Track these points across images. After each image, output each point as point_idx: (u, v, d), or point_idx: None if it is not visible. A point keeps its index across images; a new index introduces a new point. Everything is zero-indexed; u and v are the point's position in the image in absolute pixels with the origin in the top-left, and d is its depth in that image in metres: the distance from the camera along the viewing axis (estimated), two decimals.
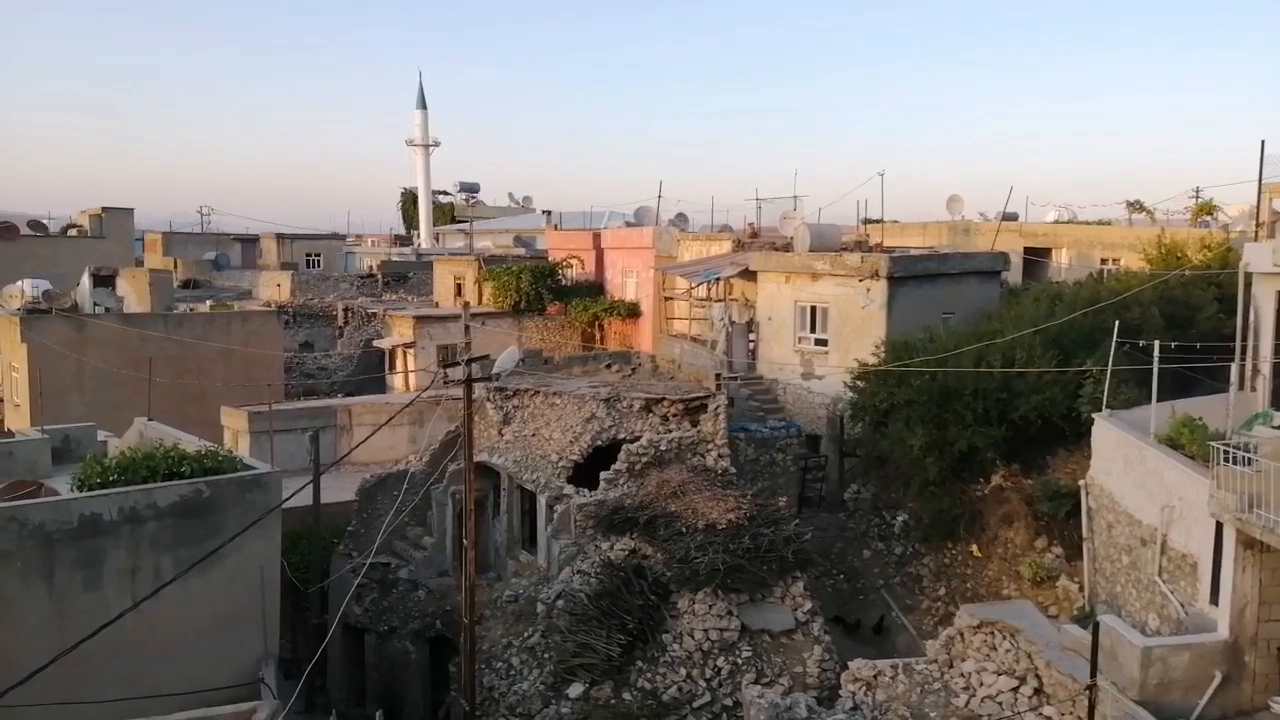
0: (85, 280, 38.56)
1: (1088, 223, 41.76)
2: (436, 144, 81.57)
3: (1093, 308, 21.87)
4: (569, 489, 20.73)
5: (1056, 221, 42.23)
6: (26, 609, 14.15)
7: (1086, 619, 16.06)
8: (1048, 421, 20.91)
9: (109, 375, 33.12)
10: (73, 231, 54.96)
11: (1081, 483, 18.61)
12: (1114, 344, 18.18)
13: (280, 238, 67.66)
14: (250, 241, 69.44)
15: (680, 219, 44.92)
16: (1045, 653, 14.55)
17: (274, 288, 54.60)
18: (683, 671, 17.46)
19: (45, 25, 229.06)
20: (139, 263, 55.57)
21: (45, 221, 56.14)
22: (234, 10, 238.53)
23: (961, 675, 15.32)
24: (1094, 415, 18.37)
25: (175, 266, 56.66)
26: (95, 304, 37.83)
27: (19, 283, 37.07)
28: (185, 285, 54.14)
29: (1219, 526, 13.74)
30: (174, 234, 69.10)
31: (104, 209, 53.52)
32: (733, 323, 30.35)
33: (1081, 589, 18.65)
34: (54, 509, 14.60)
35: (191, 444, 17.74)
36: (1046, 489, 20.16)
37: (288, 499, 16.13)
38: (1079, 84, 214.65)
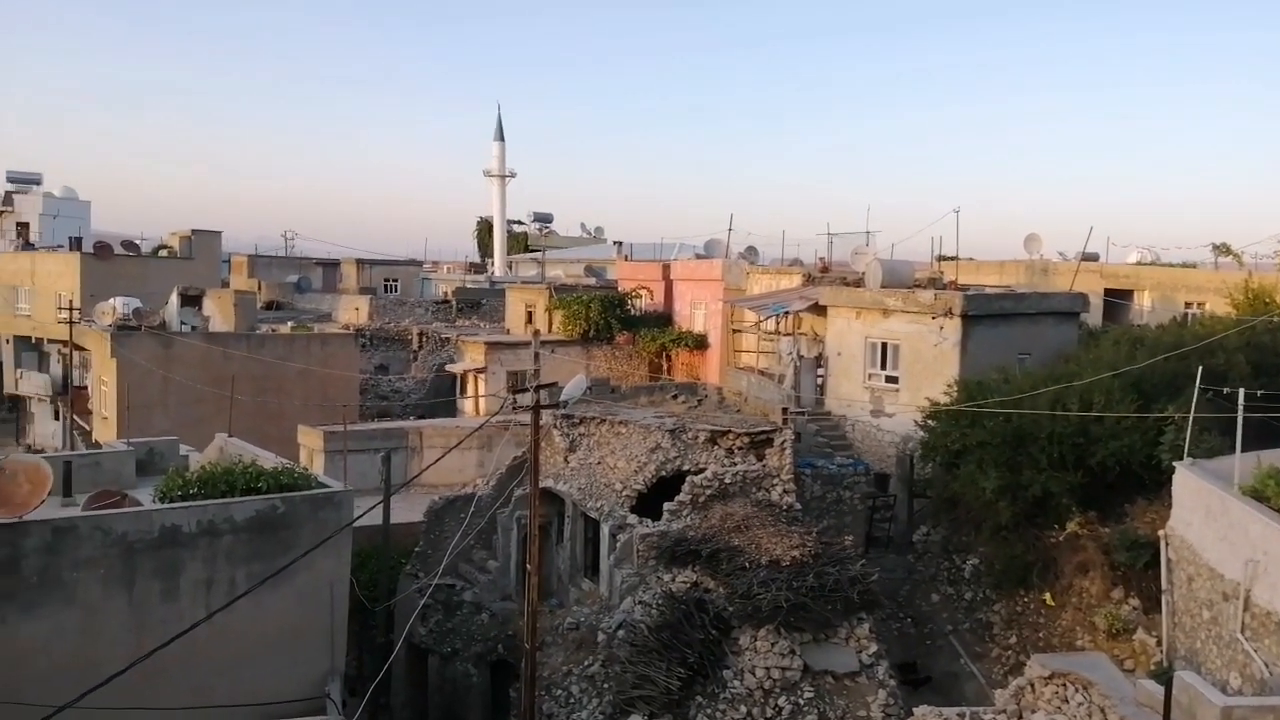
0: (173, 299, 40.06)
1: (1172, 265, 40.69)
2: (513, 175, 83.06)
3: (1176, 352, 21.25)
4: (632, 518, 20.74)
5: (1139, 263, 41.25)
6: (107, 616, 14.59)
7: (1164, 674, 15.49)
8: (1126, 468, 20.31)
9: (193, 391, 34.26)
10: (163, 252, 57.12)
11: (1161, 533, 18.00)
12: (1197, 390, 17.64)
13: (360, 263, 69.34)
14: (331, 266, 71.29)
15: (750, 252, 44.95)
16: (1119, 708, 14.07)
17: (352, 311, 55.94)
18: (743, 709, 17.26)
19: (141, 58, 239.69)
20: (225, 284, 57.42)
21: (138, 242, 58.48)
22: (320, 43, 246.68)
23: None
24: (1175, 463, 17.78)
25: (259, 288, 58.42)
26: (182, 322, 39.28)
27: (111, 300, 38.67)
28: (268, 307, 55.83)
29: None
30: (259, 257, 71.24)
31: (193, 231, 55.48)
32: (801, 357, 30.18)
33: (1159, 643, 17.99)
34: (136, 519, 15.02)
35: (269, 461, 18.17)
36: (1124, 538, 19.55)
37: (359, 518, 16.43)
38: (1163, 122, 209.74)
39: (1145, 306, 35.97)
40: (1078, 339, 28.28)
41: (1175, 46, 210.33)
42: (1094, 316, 32.98)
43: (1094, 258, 39.26)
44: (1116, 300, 35.98)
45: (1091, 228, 54.02)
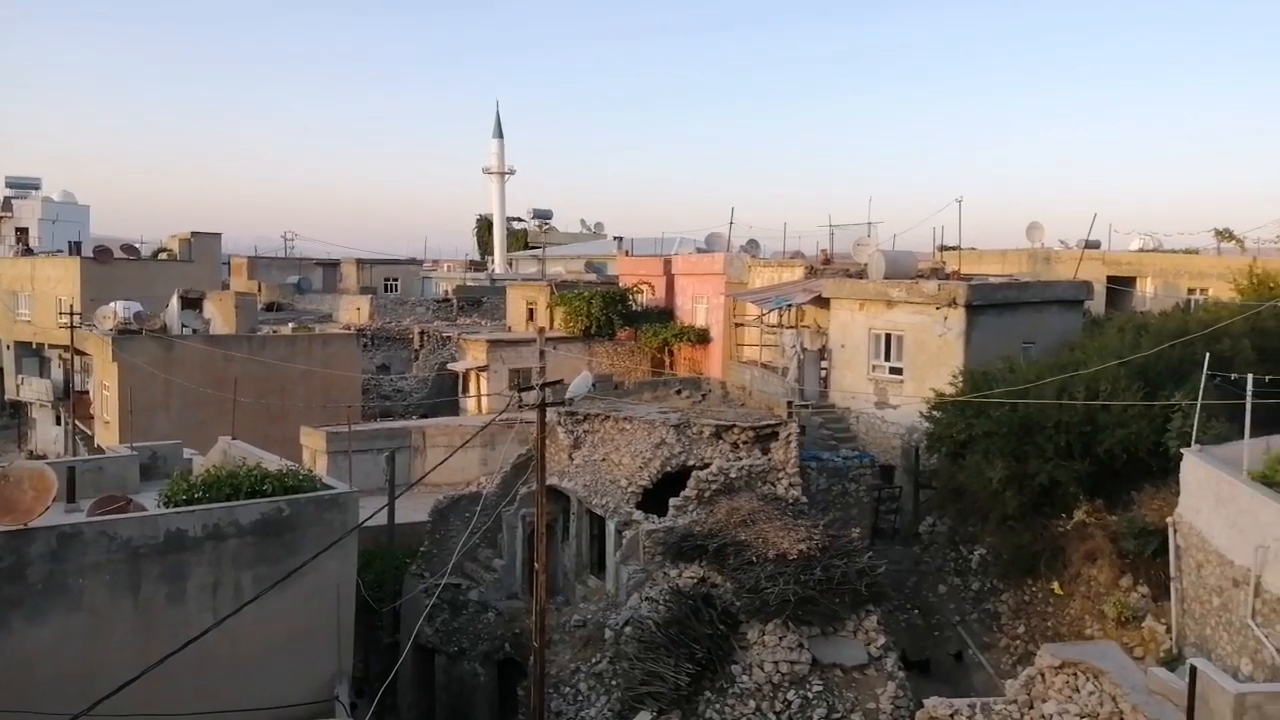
0: (174, 302, 39.99)
1: (1174, 251, 40.60)
2: (512, 172, 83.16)
3: (1181, 339, 21.17)
4: (638, 515, 20.69)
5: (1141, 250, 41.18)
6: (113, 621, 14.50)
7: (1174, 662, 15.44)
8: (1133, 456, 20.25)
9: (195, 394, 34.22)
10: (163, 255, 57.01)
11: (1169, 520, 17.94)
12: (1204, 376, 17.56)
13: (360, 263, 69.30)
14: (331, 266, 71.21)
15: (752, 245, 44.81)
16: (1131, 696, 14.02)
17: (353, 311, 55.90)
18: (752, 704, 17.22)
19: (135, 59, 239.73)
20: (225, 286, 57.35)
21: (137, 246, 58.37)
22: (316, 42, 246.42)
23: (1042, 717, 14.83)
24: (1183, 450, 17.73)
25: (259, 290, 58.35)
26: (183, 325, 39.24)
27: (112, 304, 38.58)
28: (269, 308, 55.75)
29: None
30: (259, 258, 71.14)
31: (193, 234, 55.35)
32: (804, 350, 30.10)
33: (1169, 631, 17.94)
34: (141, 524, 14.93)
35: (273, 463, 18.08)
36: (1132, 526, 19.49)
37: (365, 520, 16.34)
38: (1164, 110, 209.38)
39: (1148, 293, 35.89)
40: (1082, 327, 28.21)
41: (1176, 35, 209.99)
42: (1097, 304, 32.94)
43: (1096, 245, 39.18)
44: (1120, 287, 35.91)
45: (1095, 215, 53.94)
